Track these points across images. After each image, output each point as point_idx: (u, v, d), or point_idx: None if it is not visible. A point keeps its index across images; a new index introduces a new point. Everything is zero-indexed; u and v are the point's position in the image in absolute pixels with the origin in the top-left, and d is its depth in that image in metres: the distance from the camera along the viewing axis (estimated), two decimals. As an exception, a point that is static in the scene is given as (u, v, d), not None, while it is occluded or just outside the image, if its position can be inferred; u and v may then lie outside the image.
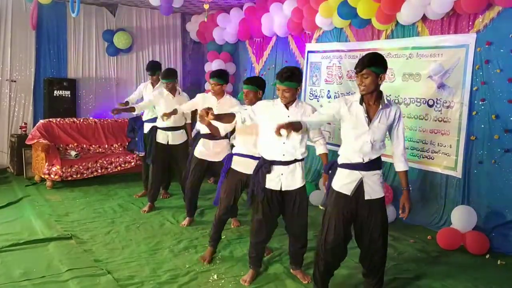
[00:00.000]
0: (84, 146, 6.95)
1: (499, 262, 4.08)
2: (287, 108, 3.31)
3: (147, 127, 5.67)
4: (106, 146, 7.12)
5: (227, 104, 4.35)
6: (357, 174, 2.99)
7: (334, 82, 6.10)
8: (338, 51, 6.00)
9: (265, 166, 3.35)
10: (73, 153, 6.51)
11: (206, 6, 6.62)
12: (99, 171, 6.49)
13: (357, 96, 2.98)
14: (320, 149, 3.53)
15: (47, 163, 6.08)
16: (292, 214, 3.46)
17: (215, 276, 3.62)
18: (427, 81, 4.96)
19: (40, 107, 7.34)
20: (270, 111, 3.32)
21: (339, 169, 3.06)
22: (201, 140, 4.59)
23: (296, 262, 3.67)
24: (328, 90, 6.19)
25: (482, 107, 4.51)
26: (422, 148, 5.06)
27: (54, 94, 7.20)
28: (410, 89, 5.15)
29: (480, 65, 4.49)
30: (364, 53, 5.50)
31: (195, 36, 8.34)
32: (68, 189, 6.16)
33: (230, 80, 7.98)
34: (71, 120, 7.02)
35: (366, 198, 2.99)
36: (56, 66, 7.47)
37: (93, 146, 7.03)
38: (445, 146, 4.84)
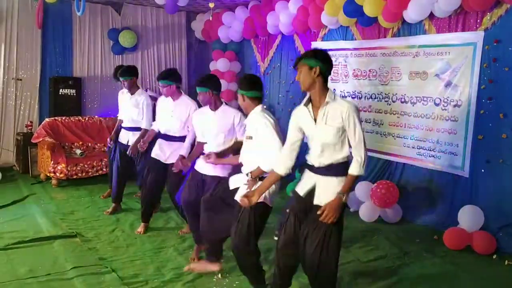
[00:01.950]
0: (89, 144, 6.96)
1: (506, 262, 4.04)
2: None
3: None
4: (111, 144, 7.12)
5: (183, 106, 4.32)
6: (312, 177, 2.78)
7: (340, 81, 6.06)
8: (344, 49, 5.96)
9: None
10: (78, 151, 6.52)
11: (211, 5, 6.62)
12: (104, 169, 6.48)
13: (305, 98, 2.81)
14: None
15: (52, 162, 6.09)
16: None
17: (219, 275, 3.60)
18: (434, 79, 4.92)
19: (46, 105, 7.36)
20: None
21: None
22: (158, 140, 4.54)
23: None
24: (334, 89, 6.15)
25: (490, 105, 4.46)
26: (429, 147, 5.02)
27: (60, 93, 7.22)
28: (416, 87, 5.11)
29: (488, 63, 4.44)
30: (370, 52, 5.58)
31: (200, 35, 8.33)
32: (73, 188, 6.17)
33: (235, 79, 8.00)
34: (76, 118, 7.03)
35: (314, 203, 2.73)
36: (62, 65, 7.49)
37: (98, 144, 7.04)
38: (452, 145, 4.80)
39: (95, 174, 6.42)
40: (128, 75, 4.97)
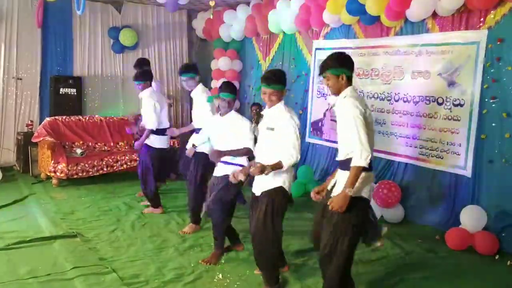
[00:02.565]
0: (90, 144, 6.94)
1: (508, 262, 4.01)
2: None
3: None
4: (112, 144, 7.11)
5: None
6: (338, 172, 2.95)
7: (342, 80, 6.03)
8: (346, 48, 5.92)
9: None
10: (78, 151, 6.50)
11: (212, 3, 6.58)
12: (105, 169, 6.47)
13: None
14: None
15: (53, 161, 6.07)
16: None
17: (220, 276, 3.59)
18: (436, 78, 4.89)
19: (46, 105, 7.34)
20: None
21: None
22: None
23: None
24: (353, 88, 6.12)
25: (493, 105, 4.43)
26: (431, 147, 4.99)
27: (60, 92, 7.20)
28: (419, 86, 5.08)
29: (491, 63, 4.41)
30: (372, 50, 5.55)
31: (201, 33, 8.31)
32: (73, 187, 6.15)
33: (236, 77, 7.98)
34: (77, 118, 7.02)
35: (332, 195, 2.89)
36: (62, 64, 7.47)
37: (99, 144, 7.02)
38: (454, 145, 4.77)
39: (96, 174, 6.40)
40: (140, 79, 5.10)
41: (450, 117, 4.79)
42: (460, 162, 4.73)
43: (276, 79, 3.19)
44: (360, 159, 2.69)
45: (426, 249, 4.31)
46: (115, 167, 6.56)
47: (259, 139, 3.35)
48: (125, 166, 6.63)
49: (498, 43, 4.33)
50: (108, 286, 3.34)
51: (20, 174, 6.75)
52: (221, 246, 3.94)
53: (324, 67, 2.89)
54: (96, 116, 7.33)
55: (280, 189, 3.20)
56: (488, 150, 4.50)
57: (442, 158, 4.90)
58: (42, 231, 4.43)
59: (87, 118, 7.10)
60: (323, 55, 6.26)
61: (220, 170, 3.82)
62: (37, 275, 3.45)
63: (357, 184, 2.72)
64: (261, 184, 3.24)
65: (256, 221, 3.22)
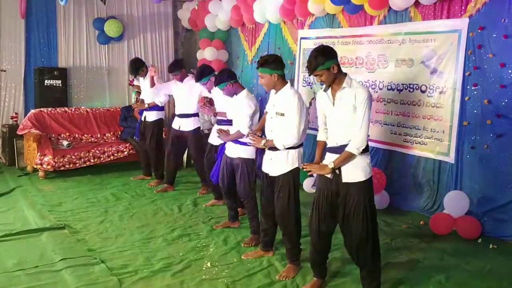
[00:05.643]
0: (76, 135, 6.91)
1: (491, 246, 4.12)
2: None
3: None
4: (99, 135, 7.09)
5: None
6: (334, 157, 3.02)
7: (327, 69, 6.06)
8: (330, 37, 5.95)
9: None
10: (65, 143, 6.47)
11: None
12: (92, 160, 6.46)
13: (325, 85, 3.08)
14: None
15: (39, 153, 6.04)
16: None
17: (209, 264, 3.63)
18: (420, 66, 4.95)
19: (31, 96, 7.26)
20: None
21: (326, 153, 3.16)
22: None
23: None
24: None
25: (475, 92, 4.50)
26: (415, 134, 5.06)
27: (45, 84, 7.12)
28: (403, 75, 5.13)
29: (472, 50, 4.47)
30: (357, 39, 5.59)
31: (187, 24, 8.25)
32: (60, 179, 6.13)
33: (222, 68, 7.95)
34: (63, 109, 6.97)
35: (343, 181, 2.99)
36: (47, 55, 7.37)
37: (85, 135, 6.99)
38: (437, 131, 4.85)
39: (83, 165, 6.39)
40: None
41: (433, 105, 4.86)
42: (444, 149, 4.81)
43: (276, 63, 3.51)
44: (356, 149, 2.93)
45: (411, 235, 4.40)
46: (102, 159, 6.56)
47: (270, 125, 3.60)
48: (112, 157, 6.63)
49: (479, 31, 4.39)
50: (97, 277, 3.37)
51: (6, 167, 6.71)
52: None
53: (312, 68, 2.97)
54: (82, 107, 7.28)
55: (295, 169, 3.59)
56: (470, 137, 4.57)
57: (426, 145, 4.98)
58: (29, 224, 4.43)
59: (73, 110, 7.06)
60: (308, 45, 6.32)
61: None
62: (25, 267, 3.46)
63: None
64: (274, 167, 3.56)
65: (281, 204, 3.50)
